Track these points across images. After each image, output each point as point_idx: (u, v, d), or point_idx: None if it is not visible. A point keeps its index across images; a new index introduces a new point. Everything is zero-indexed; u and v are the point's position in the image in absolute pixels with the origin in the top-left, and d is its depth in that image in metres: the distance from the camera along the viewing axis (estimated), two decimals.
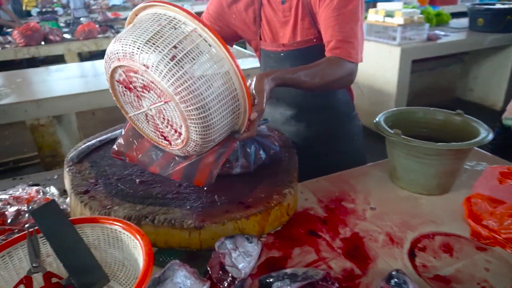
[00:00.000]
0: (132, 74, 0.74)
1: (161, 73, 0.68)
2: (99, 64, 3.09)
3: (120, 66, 0.74)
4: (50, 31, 4.32)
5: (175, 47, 0.69)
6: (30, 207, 0.98)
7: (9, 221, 0.96)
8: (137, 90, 0.77)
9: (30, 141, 3.70)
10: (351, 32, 1.03)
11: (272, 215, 0.92)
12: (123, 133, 0.96)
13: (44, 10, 6.56)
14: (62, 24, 5.43)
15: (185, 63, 0.69)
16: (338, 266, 0.82)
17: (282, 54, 1.20)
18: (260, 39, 1.23)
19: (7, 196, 1.02)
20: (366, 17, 3.45)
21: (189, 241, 0.85)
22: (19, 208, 0.99)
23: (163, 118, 0.78)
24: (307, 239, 0.91)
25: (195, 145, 0.78)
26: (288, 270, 0.74)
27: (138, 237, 0.71)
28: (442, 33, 3.56)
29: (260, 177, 1.03)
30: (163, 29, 0.71)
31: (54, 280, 0.73)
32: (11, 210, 0.98)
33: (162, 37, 0.69)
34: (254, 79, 0.88)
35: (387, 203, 1.04)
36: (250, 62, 2.79)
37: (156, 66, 0.68)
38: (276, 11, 1.15)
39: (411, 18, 3.14)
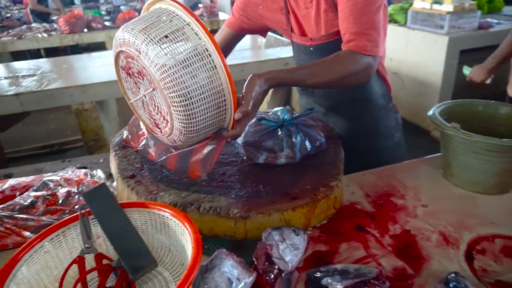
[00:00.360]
0: (130, 60, 0.79)
1: (149, 59, 0.73)
2: None
3: (121, 52, 0.80)
4: (93, 19, 4.45)
5: (166, 36, 0.74)
6: (80, 189, 1.01)
7: (60, 201, 0.99)
8: (135, 76, 0.81)
9: (73, 125, 3.86)
10: (368, 23, 0.95)
11: (319, 208, 0.89)
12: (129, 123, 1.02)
13: None
14: (103, 12, 5.59)
15: (173, 52, 0.73)
16: (389, 264, 0.79)
17: (311, 48, 1.15)
18: (292, 31, 1.19)
19: (58, 178, 1.06)
20: (411, 4, 3.29)
21: (235, 230, 0.84)
22: (70, 189, 1.02)
23: (155, 105, 0.82)
24: (354, 234, 0.87)
25: (179, 134, 0.80)
26: (338, 266, 0.71)
27: (186, 224, 0.71)
28: (495, 21, 3.33)
29: (305, 168, 1.00)
30: (160, 20, 0.76)
31: (104, 261, 0.74)
32: (62, 191, 1.01)
33: (156, 27, 0.74)
34: (248, 78, 0.86)
35: (440, 201, 0.98)
36: (289, 50, 2.74)
37: (146, 52, 0.73)
38: (298, 2, 1.10)
39: (461, 5, 2.96)
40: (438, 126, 0.98)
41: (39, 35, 4.29)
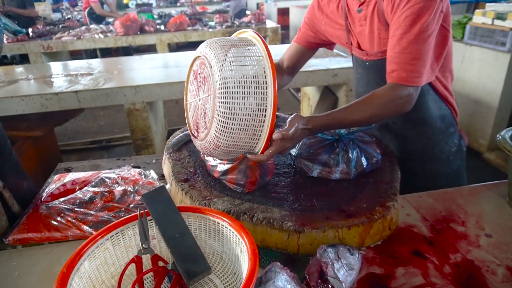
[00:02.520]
0: (203, 66, 0.90)
1: (217, 70, 0.83)
2: (188, 55, 3.24)
3: (198, 57, 0.91)
4: (146, 22, 4.65)
5: (238, 58, 0.84)
6: (135, 189, 1.04)
7: (116, 199, 1.02)
8: (200, 81, 0.92)
9: (121, 123, 4.04)
10: (414, 52, 0.93)
11: (374, 228, 0.86)
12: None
13: (140, 2, 7.09)
14: (155, 16, 5.82)
15: (237, 73, 0.83)
16: None
17: (367, 63, 1.16)
18: (351, 44, 1.19)
19: (115, 176, 1.09)
20: (470, 19, 3.14)
21: (287, 244, 0.83)
22: (125, 188, 1.05)
23: (203, 110, 0.90)
24: (412, 259, 0.83)
25: (211, 140, 0.86)
26: None
27: (243, 234, 0.70)
28: None
29: (360, 184, 0.97)
30: (239, 45, 0.87)
31: (160, 263, 0.75)
32: (119, 189, 1.05)
33: (235, 47, 0.86)
34: (292, 115, 0.91)
35: (507, 232, 0.91)
36: (337, 61, 2.70)
37: (216, 63, 0.83)
38: (354, 19, 1.12)
39: None
40: (508, 152, 0.91)
41: (96, 36, 4.53)
